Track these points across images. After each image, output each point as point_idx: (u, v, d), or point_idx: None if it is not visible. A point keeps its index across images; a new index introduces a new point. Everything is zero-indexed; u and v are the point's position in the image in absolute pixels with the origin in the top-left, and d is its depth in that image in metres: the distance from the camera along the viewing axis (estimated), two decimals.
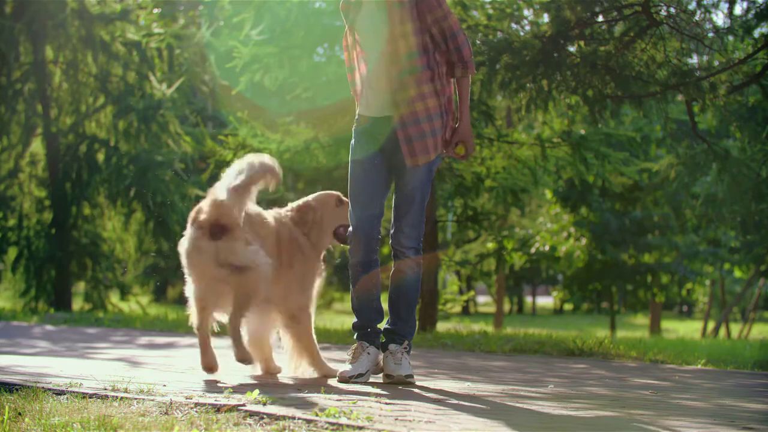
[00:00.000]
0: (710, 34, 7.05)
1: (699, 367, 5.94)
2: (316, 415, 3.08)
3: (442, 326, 11.72)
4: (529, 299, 43.42)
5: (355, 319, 4.45)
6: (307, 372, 4.43)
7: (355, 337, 4.45)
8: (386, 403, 3.49)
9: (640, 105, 7.32)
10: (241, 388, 3.79)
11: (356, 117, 4.54)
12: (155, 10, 14.41)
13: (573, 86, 7.25)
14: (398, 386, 4.18)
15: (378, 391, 3.91)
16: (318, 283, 4.50)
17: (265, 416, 3.10)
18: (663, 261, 22.08)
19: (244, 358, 4.19)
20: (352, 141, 4.50)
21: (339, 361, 5.57)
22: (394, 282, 4.43)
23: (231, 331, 4.15)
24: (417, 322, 6.57)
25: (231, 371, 4.69)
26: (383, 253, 6.42)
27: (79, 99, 14.53)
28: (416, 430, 2.91)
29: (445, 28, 4.35)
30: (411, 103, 4.31)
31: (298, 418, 3.03)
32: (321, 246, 4.54)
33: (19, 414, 3.21)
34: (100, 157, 14.35)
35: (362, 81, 4.45)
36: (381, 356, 4.40)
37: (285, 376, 4.47)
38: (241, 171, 4.12)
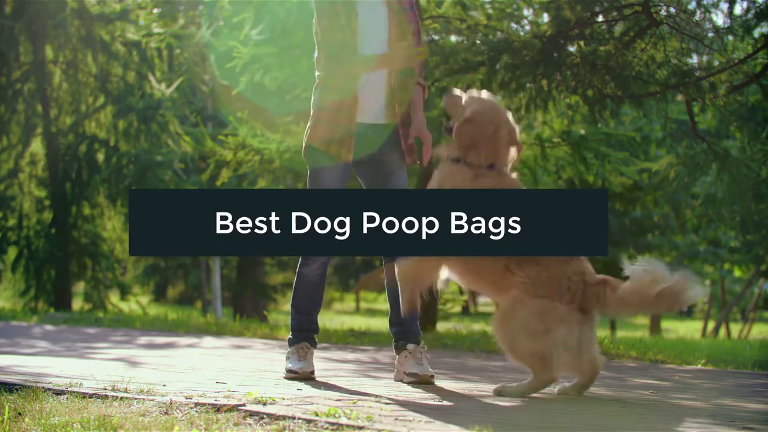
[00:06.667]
0: (710, 34, 7.04)
1: (699, 367, 5.94)
2: (316, 415, 3.08)
3: (442, 326, 11.72)
4: None
5: (296, 322, 4.44)
6: None
7: (296, 338, 4.43)
8: (386, 403, 3.49)
9: (640, 105, 7.32)
10: (241, 388, 3.79)
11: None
12: (155, 10, 14.42)
13: (573, 86, 7.25)
14: (421, 385, 4.15)
15: (378, 391, 3.91)
16: None
17: (265, 416, 3.10)
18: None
19: None
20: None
21: (337, 360, 5.58)
22: (394, 282, 4.41)
23: None
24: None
25: (231, 371, 4.69)
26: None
27: (79, 99, 14.53)
28: (416, 430, 2.91)
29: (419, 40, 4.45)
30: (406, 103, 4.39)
31: (298, 418, 3.03)
32: None
33: (19, 414, 3.21)
34: (100, 157, 14.36)
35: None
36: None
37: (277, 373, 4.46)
38: None
